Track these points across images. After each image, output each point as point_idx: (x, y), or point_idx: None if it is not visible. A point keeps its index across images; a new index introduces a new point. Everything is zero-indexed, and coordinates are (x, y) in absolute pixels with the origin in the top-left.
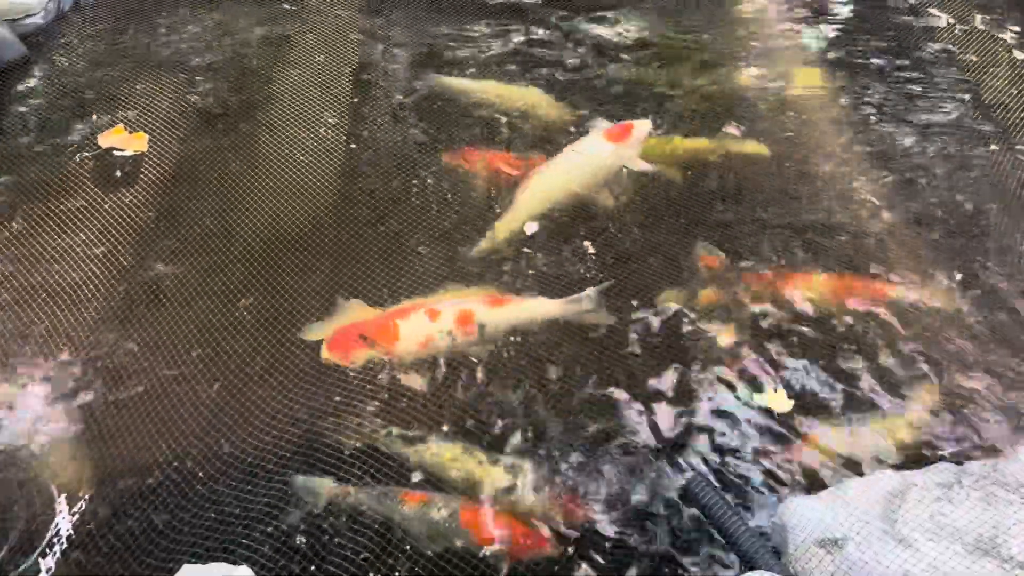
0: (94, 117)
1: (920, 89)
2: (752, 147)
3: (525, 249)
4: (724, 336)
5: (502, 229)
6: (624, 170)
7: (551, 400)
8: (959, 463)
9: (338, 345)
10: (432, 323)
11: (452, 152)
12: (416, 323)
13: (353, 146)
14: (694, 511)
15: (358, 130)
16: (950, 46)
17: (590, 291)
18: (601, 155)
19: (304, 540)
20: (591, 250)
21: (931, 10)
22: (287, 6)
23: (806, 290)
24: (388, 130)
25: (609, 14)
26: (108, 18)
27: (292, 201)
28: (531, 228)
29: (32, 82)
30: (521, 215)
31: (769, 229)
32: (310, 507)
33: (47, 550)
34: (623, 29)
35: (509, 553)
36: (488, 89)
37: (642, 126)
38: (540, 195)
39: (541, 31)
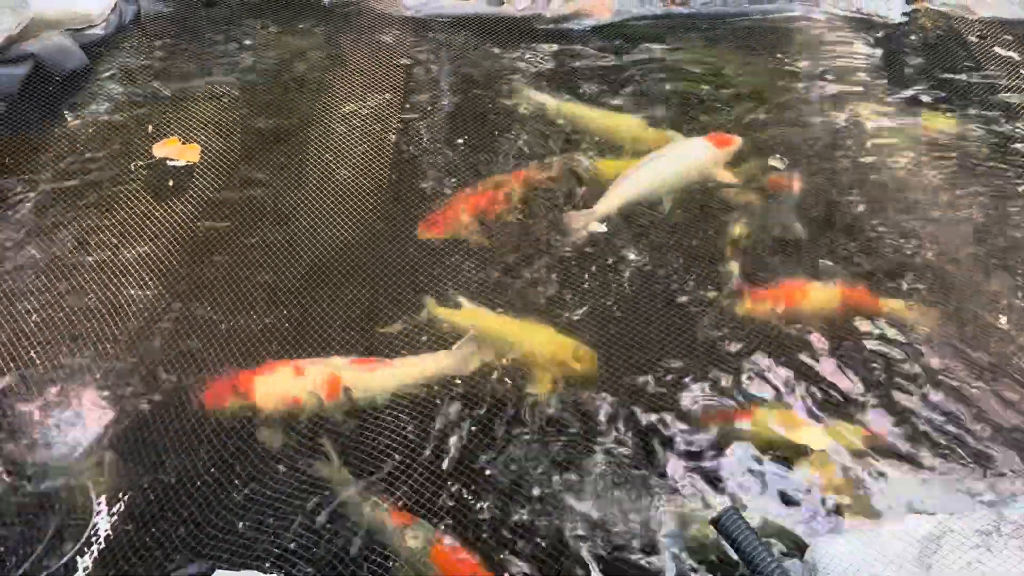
0: (149, 127)
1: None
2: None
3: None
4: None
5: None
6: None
7: None
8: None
9: (211, 395)
10: (296, 380)
11: (426, 221)
12: (279, 379)
13: (401, 158)
14: None
15: (407, 144)
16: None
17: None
18: (702, 155)
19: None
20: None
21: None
22: (340, 24)
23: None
24: (441, 143)
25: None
26: (167, 31)
27: (339, 216)
28: (598, 227)
29: (91, 90)
30: (616, 200)
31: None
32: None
33: (84, 549)
34: (678, 56)
35: None
36: (569, 110)
37: (736, 140)
38: (639, 183)
39: (591, 55)
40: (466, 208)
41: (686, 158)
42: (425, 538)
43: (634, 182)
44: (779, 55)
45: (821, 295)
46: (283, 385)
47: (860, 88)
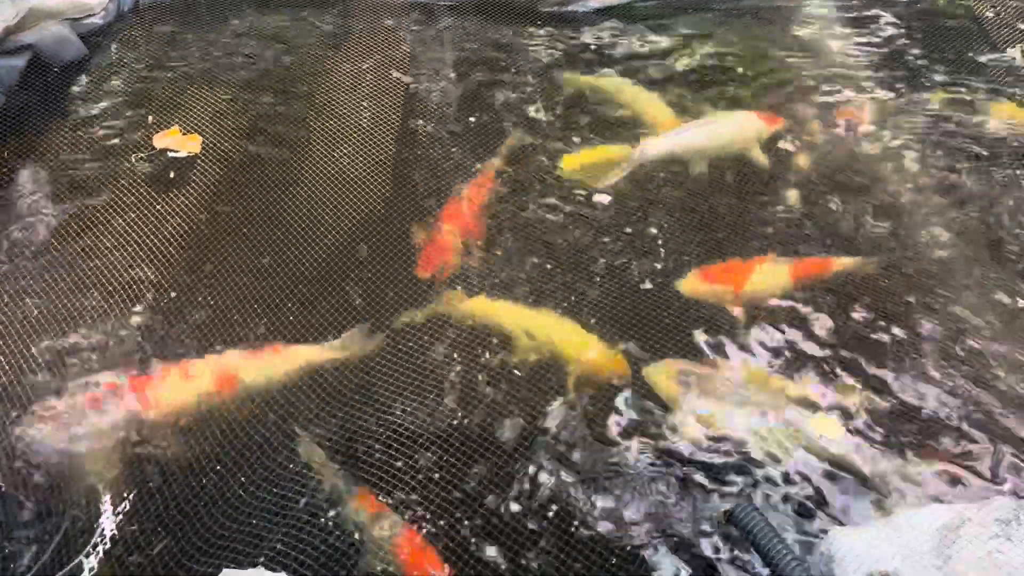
0: (149, 118)
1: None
2: None
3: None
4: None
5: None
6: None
7: None
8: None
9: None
10: (186, 384)
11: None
12: (170, 386)
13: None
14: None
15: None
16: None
17: (352, 333)
18: (752, 128)
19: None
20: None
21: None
22: (340, 15)
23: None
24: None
25: (665, 23)
26: (166, 20)
27: (341, 207)
28: (603, 199)
29: (90, 81)
30: (671, 146)
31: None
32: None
33: (91, 550)
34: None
35: None
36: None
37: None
38: (699, 136)
39: (595, 38)
40: (453, 231)
41: (742, 127)
42: (393, 528)
43: (695, 134)
44: (788, 35)
45: (770, 273)
46: (175, 391)
47: (872, 69)
